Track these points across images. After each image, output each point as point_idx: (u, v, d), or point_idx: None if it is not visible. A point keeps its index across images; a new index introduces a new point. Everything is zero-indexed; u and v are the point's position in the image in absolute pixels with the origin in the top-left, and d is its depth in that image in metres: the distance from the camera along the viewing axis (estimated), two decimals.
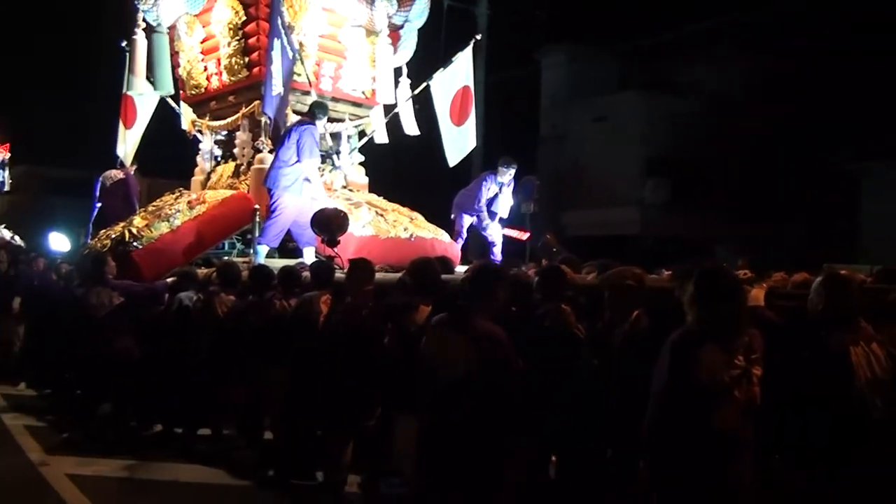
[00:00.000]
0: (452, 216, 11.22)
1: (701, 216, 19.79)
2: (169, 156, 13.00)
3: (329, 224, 8.21)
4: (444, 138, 10.89)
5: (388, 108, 11.23)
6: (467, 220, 10.90)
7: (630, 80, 23.61)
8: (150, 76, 10.92)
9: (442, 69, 10.96)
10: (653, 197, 21.40)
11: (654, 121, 21.48)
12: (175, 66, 11.39)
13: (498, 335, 3.88)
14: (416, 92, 11.05)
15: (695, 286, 3.56)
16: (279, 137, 9.26)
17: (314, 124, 9.11)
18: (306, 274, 7.03)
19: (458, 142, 10.90)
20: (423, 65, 11.47)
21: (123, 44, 11.46)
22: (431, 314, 4.97)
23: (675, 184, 21.19)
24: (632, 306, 4.47)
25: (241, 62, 10.48)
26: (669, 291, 4.24)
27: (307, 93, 10.25)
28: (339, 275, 6.62)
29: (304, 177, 8.86)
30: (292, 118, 9.83)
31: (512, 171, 10.81)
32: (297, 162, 8.80)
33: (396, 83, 11.10)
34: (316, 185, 8.99)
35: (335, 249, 8.16)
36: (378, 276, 6.45)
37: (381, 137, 11.35)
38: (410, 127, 11.23)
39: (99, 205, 11.52)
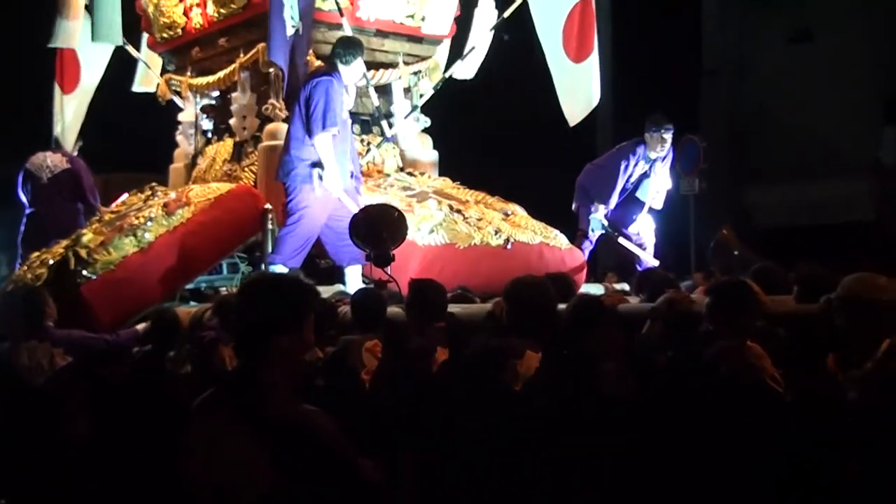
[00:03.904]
0: (574, 206, 11.15)
1: None
2: (132, 137, 13.07)
3: (376, 231, 8.26)
4: (559, 84, 10.82)
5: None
6: (599, 213, 10.87)
7: None
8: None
9: None
10: (893, 157, 20.90)
11: (890, 41, 20.97)
12: None
13: (313, 424, 3.39)
14: (508, 14, 11.05)
15: None
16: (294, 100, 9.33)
17: (335, 75, 9.07)
18: (347, 308, 7.08)
19: (581, 88, 10.82)
20: None
21: None
22: (543, 364, 4.96)
23: None
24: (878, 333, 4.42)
25: None
26: None
27: (337, 26, 10.35)
28: (395, 309, 6.65)
29: (314, 159, 8.85)
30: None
31: (668, 137, 10.73)
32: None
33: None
34: (331, 174, 8.87)
35: (388, 269, 8.20)
36: (453, 307, 6.46)
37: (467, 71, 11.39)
38: (465, 67, 11.21)
39: (30, 211, 11.60)
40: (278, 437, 3.23)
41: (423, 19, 11.20)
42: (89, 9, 10.79)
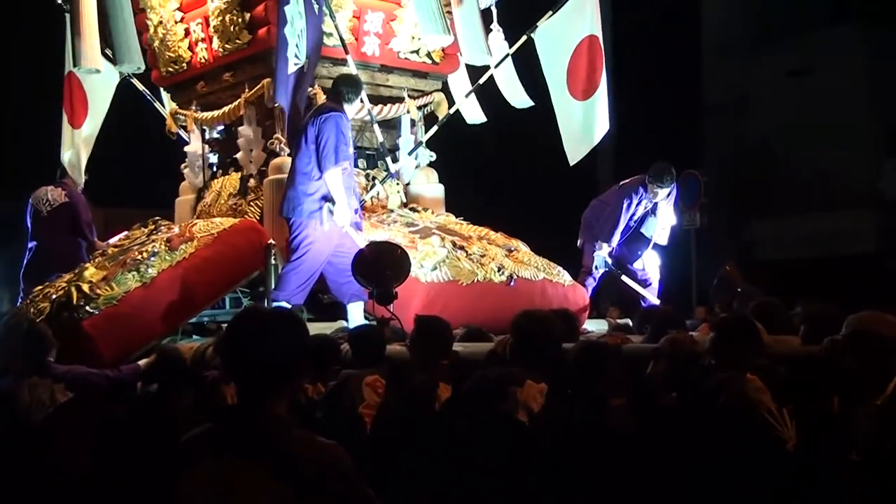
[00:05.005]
0: (579, 242, 11.14)
1: None
2: (137, 171, 12.94)
3: (378, 268, 8.24)
4: (562, 122, 10.86)
5: (473, 76, 11.26)
6: (603, 251, 10.84)
7: (849, 8, 23.12)
8: (107, 45, 10.98)
9: (551, 12, 10.95)
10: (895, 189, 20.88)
11: (891, 72, 20.98)
12: (141, 30, 11.63)
13: (334, 457, 3.24)
14: (514, 49, 11.10)
15: None
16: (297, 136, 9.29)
17: (341, 112, 9.08)
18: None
19: (584, 126, 10.85)
20: (522, 8, 11.47)
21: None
22: (549, 399, 4.94)
23: None
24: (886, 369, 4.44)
25: (240, 21, 10.63)
26: None
27: (342, 62, 10.37)
28: (398, 347, 6.63)
29: (322, 194, 8.82)
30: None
31: (667, 191, 10.78)
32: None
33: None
34: (341, 208, 8.84)
35: (391, 307, 8.18)
36: (458, 346, 6.45)
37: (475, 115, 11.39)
38: (517, 99, 11.23)
39: (32, 244, 11.49)
40: (300, 471, 3.11)
41: (427, 55, 11.22)
42: (103, 34, 10.69)
